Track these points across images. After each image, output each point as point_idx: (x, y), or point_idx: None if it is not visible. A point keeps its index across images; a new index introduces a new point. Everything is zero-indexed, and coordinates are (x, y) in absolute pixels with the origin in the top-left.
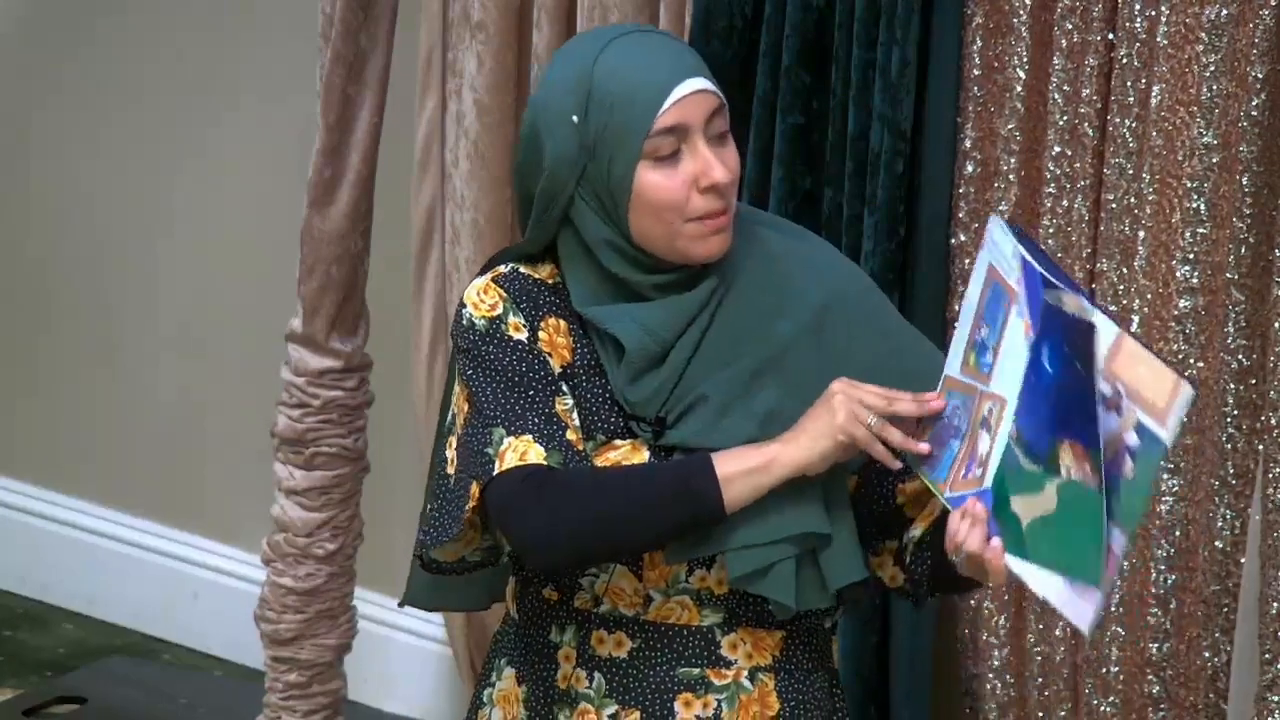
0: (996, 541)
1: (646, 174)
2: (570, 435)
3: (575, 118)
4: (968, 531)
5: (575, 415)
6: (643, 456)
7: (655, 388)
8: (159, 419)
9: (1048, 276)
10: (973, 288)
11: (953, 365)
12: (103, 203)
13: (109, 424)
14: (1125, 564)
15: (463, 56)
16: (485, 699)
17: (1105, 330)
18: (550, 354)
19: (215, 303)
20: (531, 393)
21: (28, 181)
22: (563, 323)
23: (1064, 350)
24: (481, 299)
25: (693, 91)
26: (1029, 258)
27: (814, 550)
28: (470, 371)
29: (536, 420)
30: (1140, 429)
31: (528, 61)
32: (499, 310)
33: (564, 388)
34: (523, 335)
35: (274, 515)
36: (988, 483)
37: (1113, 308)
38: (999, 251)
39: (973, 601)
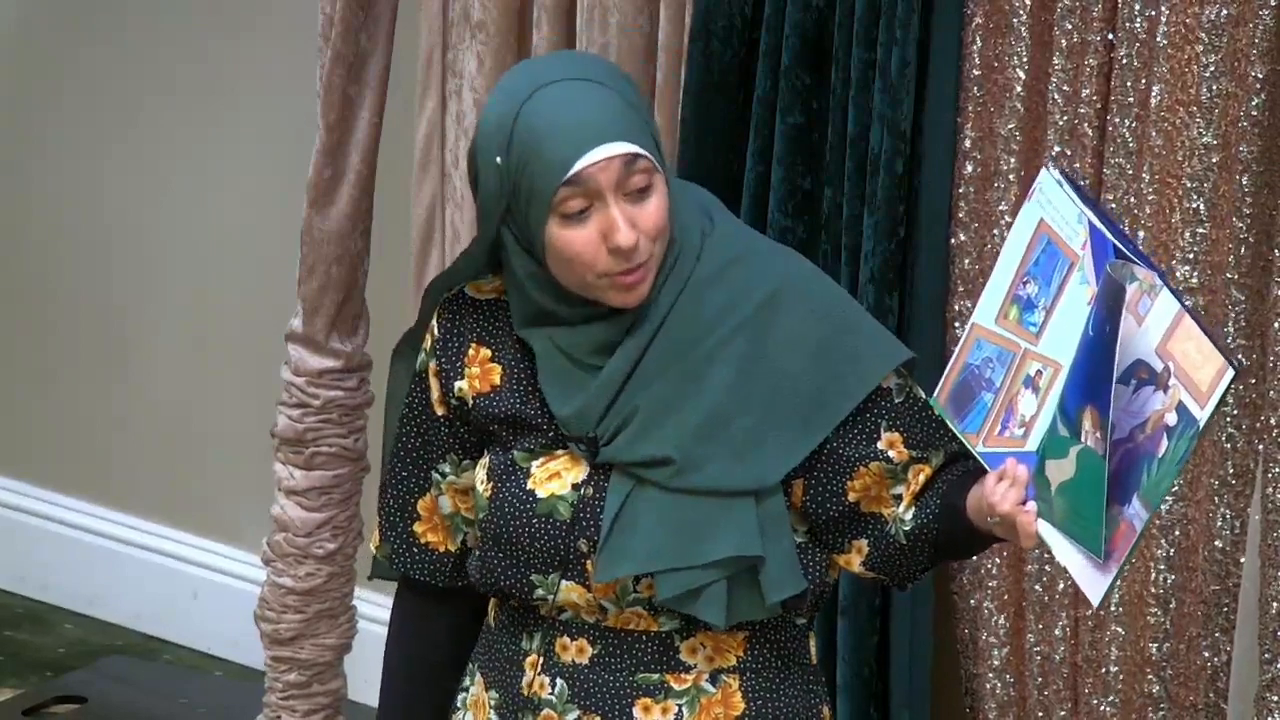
0: (1032, 505)
1: (556, 230)
2: (418, 527)
3: (499, 159)
4: (1004, 493)
5: (444, 501)
6: (581, 469)
7: (582, 405)
8: (159, 419)
9: (1120, 247)
10: (1015, 239)
11: (984, 315)
12: (103, 202)
13: (109, 424)
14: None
15: (463, 56)
16: (459, 704)
17: (1166, 306)
18: (464, 391)
19: (215, 303)
20: (405, 473)
21: (27, 181)
22: (486, 350)
23: (1101, 313)
24: (431, 326)
25: (602, 159)
26: (1098, 224)
27: (752, 567)
28: (400, 410)
29: (390, 504)
30: (1180, 408)
31: None
32: (426, 349)
33: (445, 468)
34: (434, 392)
35: (274, 515)
36: (1031, 445)
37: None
38: (1055, 210)
39: (972, 601)
